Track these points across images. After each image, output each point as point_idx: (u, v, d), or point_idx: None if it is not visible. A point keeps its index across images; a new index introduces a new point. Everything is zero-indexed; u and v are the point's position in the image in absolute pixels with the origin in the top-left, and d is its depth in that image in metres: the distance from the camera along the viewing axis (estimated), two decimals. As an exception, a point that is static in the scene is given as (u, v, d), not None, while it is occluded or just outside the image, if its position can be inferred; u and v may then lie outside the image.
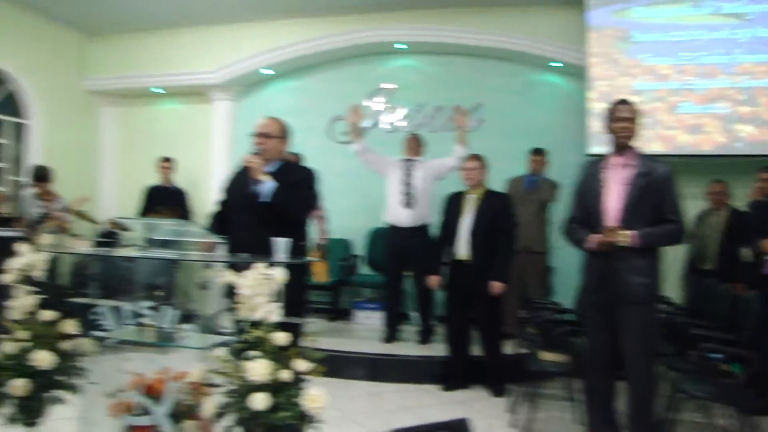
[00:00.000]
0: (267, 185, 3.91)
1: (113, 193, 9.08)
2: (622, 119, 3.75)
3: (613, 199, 3.74)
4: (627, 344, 3.68)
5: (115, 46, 8.96)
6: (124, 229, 7.41)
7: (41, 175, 6.69)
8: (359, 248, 7.92)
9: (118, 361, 3.28)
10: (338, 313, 7.55)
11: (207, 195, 8.36)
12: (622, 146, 3.79)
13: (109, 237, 6.95)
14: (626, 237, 3.63)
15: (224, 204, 4.27)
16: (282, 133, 4.16)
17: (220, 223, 4.20)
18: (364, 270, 7.86)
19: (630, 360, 3.68)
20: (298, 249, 3.61)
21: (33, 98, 8.23)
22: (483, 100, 7.65)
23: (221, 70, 8.29)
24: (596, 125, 6.78)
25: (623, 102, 3.83)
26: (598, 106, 6.82)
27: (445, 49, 7.87)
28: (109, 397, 3.06)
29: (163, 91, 8.95)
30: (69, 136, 8.68)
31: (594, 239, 3.74)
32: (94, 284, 3.46)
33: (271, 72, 8.45)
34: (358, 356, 5.82)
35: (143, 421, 2.93)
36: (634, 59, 6.98)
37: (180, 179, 8.16)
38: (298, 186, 4.05)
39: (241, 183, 4.09)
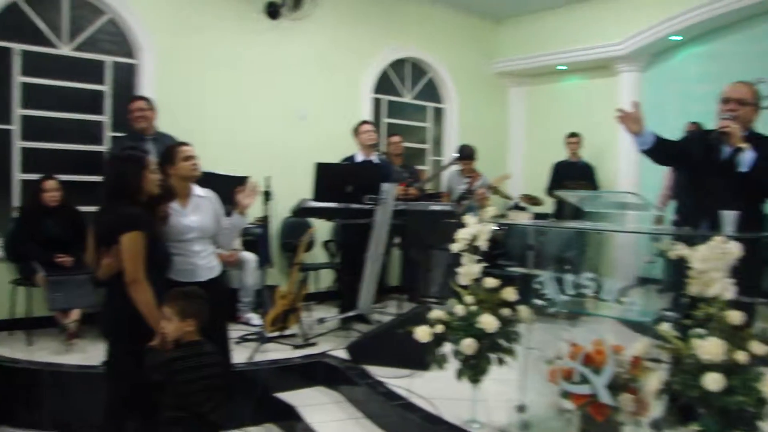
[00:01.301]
0: (747, 155, 3.60)
1: (520, 169, 9.41)
2: None
3: None
4: None
5: (519, 28, 9.27)
6: (536, 203, 7.66)
7: (467, 154, 7.14)
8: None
9: (555, 330, 3.39)
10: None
11: (614, 168, 8.27)
12: None
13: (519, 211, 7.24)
14: None
15: (674, 145, 4.04)
16: (756, 99, 3.84)
17: (665, 150, 3.96)
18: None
19: None
20: (755, 223, 3.35)
21: (449, 84, 8.92)
22: None
23: (628, 41, 8.03)
24: None
25: None
26: None
27: None
28: (547, 364, 3.18)
29: (566, 68, 9.01)
30: (480, 117, 9.23)
31: None
32: (533, 255, 3.61)
33: (679, 38, 7.98)
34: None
35: (581, 389, 2.98)
36: None
37: (586, 154, 8.16)
38: None
39: (708, 147, 3.83)
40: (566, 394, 3.05)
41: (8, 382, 4.69)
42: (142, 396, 3.24)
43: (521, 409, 3.44)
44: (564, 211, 6.66)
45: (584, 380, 2.98)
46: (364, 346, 4.92)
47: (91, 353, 4.86)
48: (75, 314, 5.15)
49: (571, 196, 4.05)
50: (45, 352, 5.05)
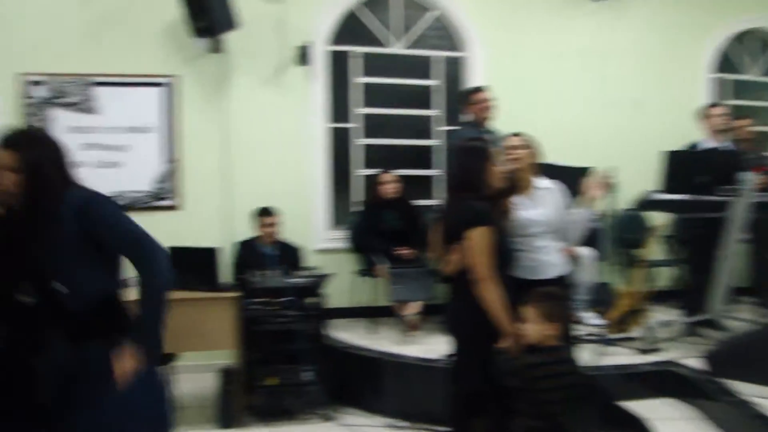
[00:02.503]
0: None
1: None
2: None
3: None
4: None
5: None
6: None
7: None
8: None
9: None
10: None
11: None
12: None
13: None
14: None
15: None
16: None
17: None
18: None
19: None
20: None
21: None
22: None
23: None
24: None
25: None
26: None
27: None
28: None
29: None
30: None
31: None
32: None
33: None
34: None
35: None
36: None
37: None
38: None
39: None
40: None
41: (355, 367, 4.92)
42: (490, 397, 3.11)
43: None
44: None
45: None
46: (723, 357, 4.34)
47: (431, 346, 4.91)
48: (414, 306, 5.26)
49: None
50: (386, 341, 5.21)
